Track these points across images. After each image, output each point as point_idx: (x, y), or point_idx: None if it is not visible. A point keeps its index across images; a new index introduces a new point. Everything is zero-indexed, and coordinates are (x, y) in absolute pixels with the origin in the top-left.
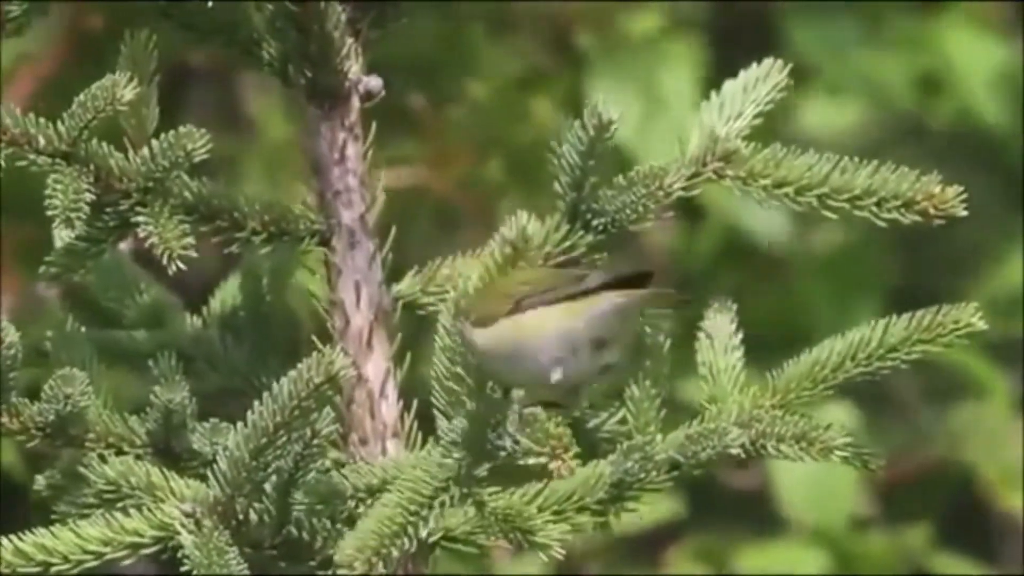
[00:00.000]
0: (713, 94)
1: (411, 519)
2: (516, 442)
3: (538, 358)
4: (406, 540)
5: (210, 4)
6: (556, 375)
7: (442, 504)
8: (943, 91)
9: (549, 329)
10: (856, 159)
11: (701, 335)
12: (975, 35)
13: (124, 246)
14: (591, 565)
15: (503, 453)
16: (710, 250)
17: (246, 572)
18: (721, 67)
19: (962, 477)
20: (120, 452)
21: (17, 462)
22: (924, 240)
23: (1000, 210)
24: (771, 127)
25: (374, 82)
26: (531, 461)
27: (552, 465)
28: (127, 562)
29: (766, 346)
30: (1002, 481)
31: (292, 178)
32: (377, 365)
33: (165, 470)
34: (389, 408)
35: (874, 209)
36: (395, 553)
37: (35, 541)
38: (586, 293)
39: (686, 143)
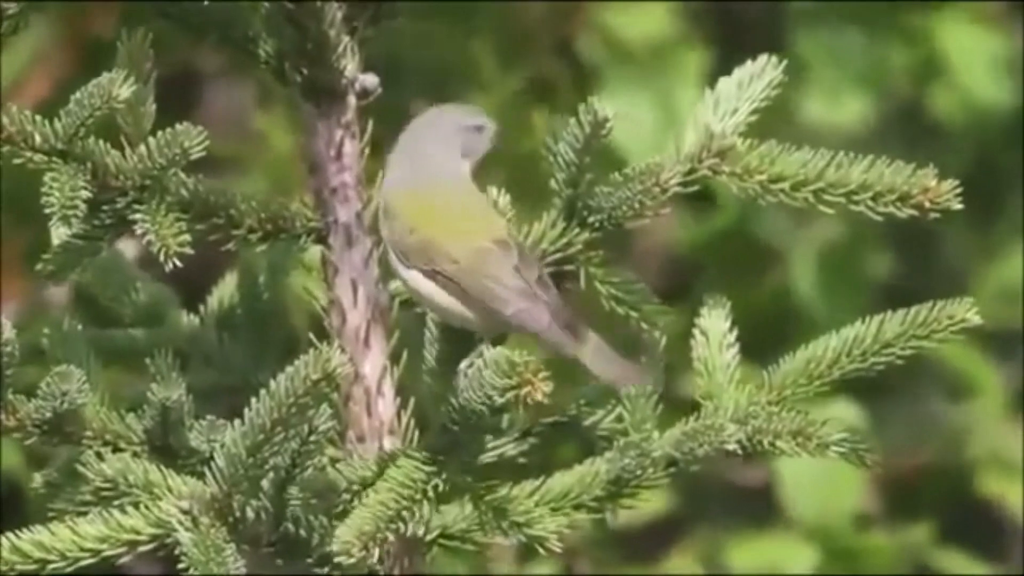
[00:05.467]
0: (708, 91)
1: (405, 503)
2: (483, 383)
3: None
4: (401, 524)
5: (206, 2)
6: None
7: (435, 488)
8: (941, 82)
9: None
10: (852, 154)
11: (696, 331)
12: (972, 28)
13: (131, 250)
14: (583, 562)
15: (477, 398)
16: (706, 241)
17: (243, 569)
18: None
19: (964, 474)
20: (117, 449)
21: (20, 463)
22: (919, 232)
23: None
24: (770, 124)
25: (370, 80)
26: (503, 398)
27: (523, 391)
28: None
29: (757, 338)
30: (1001, 478)
31: (294, 189)
32: (374, 363)
33: (162, 467)
34: (386, 406)
35: (870, 203)
36: (391, 537)
37: (33, 539)
38: None
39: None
